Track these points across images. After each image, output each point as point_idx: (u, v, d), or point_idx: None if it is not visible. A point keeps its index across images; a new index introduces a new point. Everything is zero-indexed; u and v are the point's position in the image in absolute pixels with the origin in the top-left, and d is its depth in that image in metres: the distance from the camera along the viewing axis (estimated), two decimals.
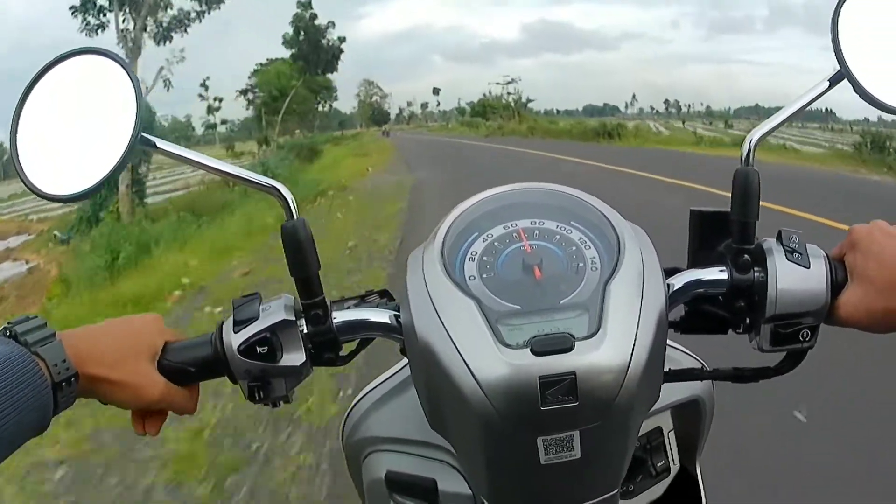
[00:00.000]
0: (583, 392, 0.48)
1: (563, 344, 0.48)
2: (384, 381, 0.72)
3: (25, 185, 0.60)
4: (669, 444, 0.72)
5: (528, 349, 0.48)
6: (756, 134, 0.61)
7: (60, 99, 0.62)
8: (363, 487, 0.72)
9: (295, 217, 0.60)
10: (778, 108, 0.65)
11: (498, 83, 65.02)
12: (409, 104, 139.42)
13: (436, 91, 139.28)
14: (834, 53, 0.63)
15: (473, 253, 0.57)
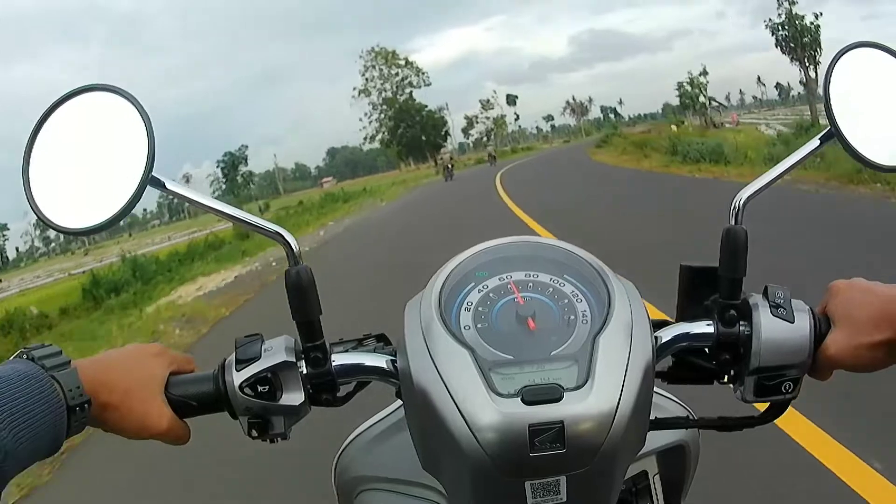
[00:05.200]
0: (570, 440, 0.50)
1: (552, 394, 0.51)
2: (377, 421, 0.74)
3: (37, 216, 0.62)
4: (655, 487, 0.74)
5: (519, 398, 0.51)
6: (745, 193, 0.63)
7: (72, 134, 0.64)
8: None
9: (299, 263, 0.62)
10: None
11: None
12: (489, 102, 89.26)
13: (511, 100, 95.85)
14: (825, 112, 0.66)
15: (469, 303, 0.59)
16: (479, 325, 0.57)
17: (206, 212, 0.63)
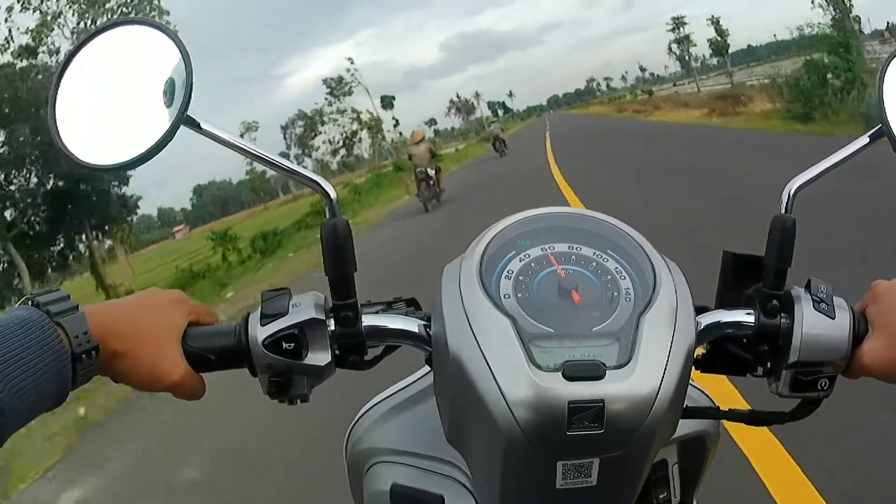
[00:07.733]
0: (609, 421, 0.48)
1: (594, 371, 0.49)
2: (394, 393, 0.72)
3: (61, 151, 0.59)
4: (673, 477, 0.72)
5: (560, 373, 0.49)
6: (795, 183, 0.62)
7: (104, 69, 0.61)
8: (363, 500, 0.71)
9: (336, 216, 0.59)
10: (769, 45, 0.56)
11: None
12: (343, 81, 60.41)
13: (387, 102, 72.89)
14: (877, 111, 0.65)
15: (510, 271, 0.57)
16: (519, 295, 0.55)
17: (243, 155, 0.60)
